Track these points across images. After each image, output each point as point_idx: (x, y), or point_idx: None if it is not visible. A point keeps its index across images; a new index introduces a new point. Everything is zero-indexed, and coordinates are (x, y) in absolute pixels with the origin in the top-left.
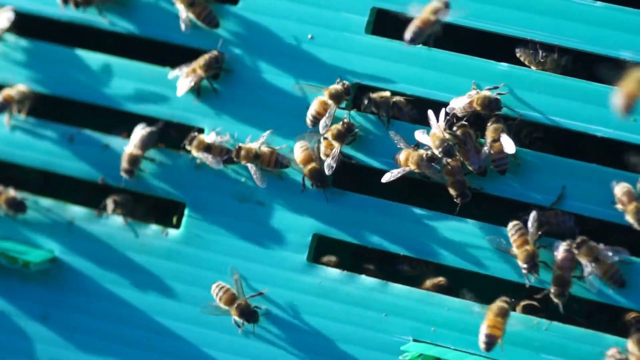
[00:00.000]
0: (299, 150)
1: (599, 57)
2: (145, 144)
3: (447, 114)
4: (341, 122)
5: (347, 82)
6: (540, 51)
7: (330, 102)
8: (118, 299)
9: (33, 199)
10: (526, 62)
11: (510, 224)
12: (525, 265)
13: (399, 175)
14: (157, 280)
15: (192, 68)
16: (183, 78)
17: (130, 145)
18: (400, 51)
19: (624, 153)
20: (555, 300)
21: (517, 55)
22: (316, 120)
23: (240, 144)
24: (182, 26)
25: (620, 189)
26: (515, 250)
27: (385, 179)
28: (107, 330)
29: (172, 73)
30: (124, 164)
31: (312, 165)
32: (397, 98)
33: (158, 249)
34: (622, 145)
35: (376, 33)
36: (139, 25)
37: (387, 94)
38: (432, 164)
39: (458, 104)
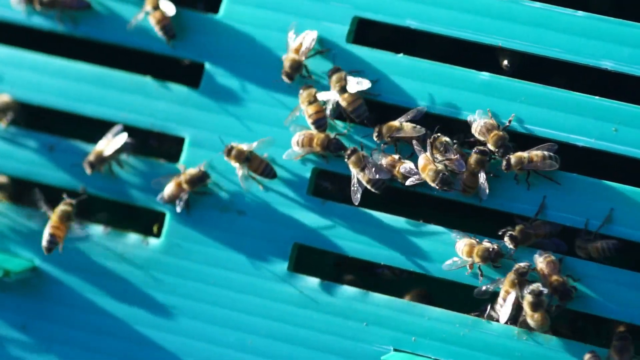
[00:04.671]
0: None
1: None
2: (118, 150)
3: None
4: None
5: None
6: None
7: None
8: (98, 309)
9: (13, 207)
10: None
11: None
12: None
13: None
14: (137, 290)
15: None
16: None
17: (101, 144)
18: (381, 60)
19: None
20: (564, 304)
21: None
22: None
23: (233, 144)
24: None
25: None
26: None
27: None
28: (87, 341)
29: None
30: (92, 157)
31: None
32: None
33: (138, 258)
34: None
35: (357, 42)
36: (117, 34)
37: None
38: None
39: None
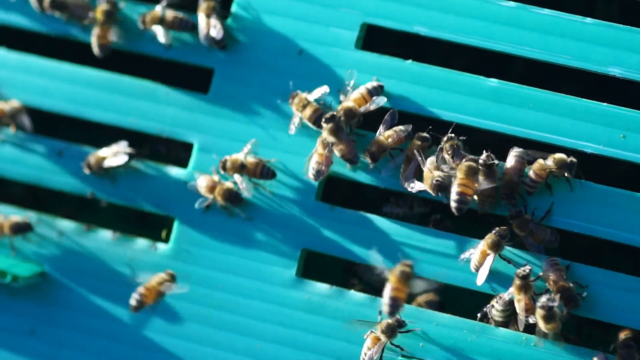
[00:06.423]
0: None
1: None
2: (117, 165)
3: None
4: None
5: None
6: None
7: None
8: (106, 314)
9: (21, 213)
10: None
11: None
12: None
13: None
14: None
15: None
16: None
17: (105, 152)
18: (389, 67)
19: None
20: (571, 310)
21: None
22: (319, 174)
23: (226, 156)
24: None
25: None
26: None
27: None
28: (95, 346)
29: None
30: (92, 160)
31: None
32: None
33: (147, 264)
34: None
35: (366, 48)
36: (127, 40)
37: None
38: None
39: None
